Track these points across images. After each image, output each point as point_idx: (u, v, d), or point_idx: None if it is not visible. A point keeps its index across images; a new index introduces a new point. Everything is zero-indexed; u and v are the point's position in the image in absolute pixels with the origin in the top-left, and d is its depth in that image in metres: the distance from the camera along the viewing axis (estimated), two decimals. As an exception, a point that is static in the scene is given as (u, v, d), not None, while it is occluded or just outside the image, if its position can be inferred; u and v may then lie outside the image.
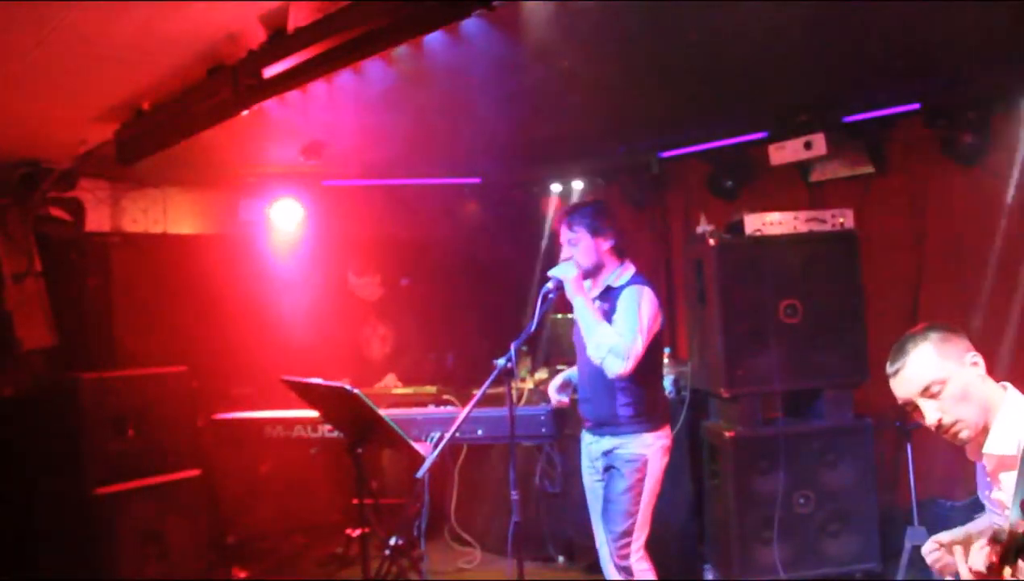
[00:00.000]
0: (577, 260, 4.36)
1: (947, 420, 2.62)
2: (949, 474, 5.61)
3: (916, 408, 2.67)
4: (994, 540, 2.17)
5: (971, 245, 5.77)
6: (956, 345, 2.66)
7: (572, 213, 4.49)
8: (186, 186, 7.25)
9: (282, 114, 4.86)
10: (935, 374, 2.62)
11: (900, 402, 2.72)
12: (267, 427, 5.86)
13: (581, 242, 4.40)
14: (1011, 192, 5.55)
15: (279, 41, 3.98)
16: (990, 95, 5.41)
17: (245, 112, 4.44)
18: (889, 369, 2.71)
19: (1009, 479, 2.56)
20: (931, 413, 2.63)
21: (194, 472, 6.00)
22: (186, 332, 6.74)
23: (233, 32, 4.00)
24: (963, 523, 2.96)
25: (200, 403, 6.15)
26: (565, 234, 4.45)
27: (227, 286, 6.92)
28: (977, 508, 2.92)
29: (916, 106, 5.70)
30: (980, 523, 2.95)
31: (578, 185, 7.63)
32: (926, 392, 2.63)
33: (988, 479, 2.71)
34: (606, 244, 4.43)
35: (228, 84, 4.34)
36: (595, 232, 4.41)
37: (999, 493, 2.65)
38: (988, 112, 5.46)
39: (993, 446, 2.61)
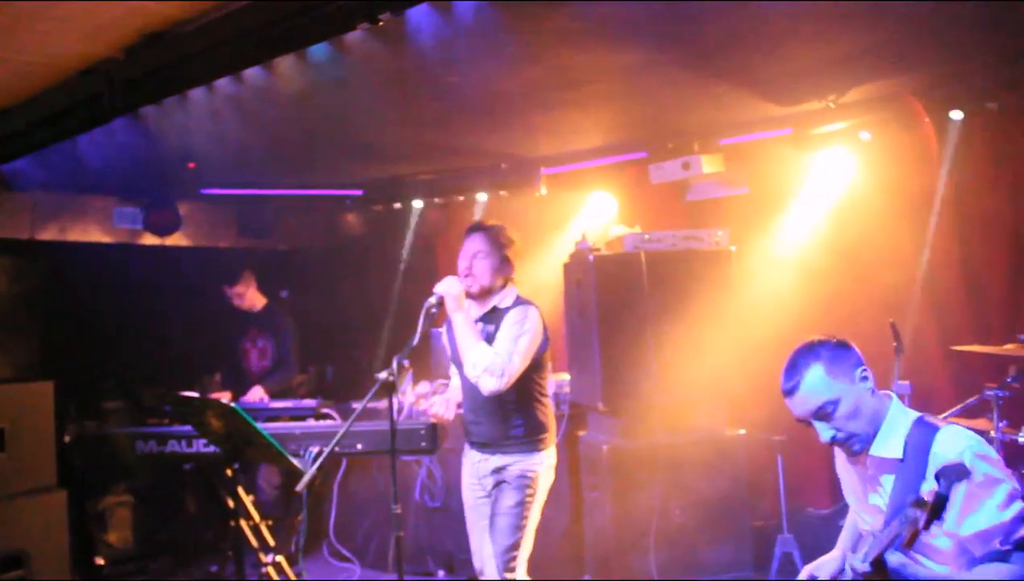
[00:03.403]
0: (475, 274, 4.33)
1: (841, 437, 2.69)
2: (816, 485, 5.84)
3: (811, 425, 2.73)
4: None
5: (844, 262, 6.02)
6: (846, 362, 2.71)
7: (480, 230, 4.41)
8: (56, 190, 6.96)
9: (160, 118, 4.75)
10: (827, 396, 2.66)
11: (795, 418, 2.77)
12: (139, 442, 5.66)
13: (485, 261, 4.35)
14: (879, 209, 5.82)
15: (158, 44, 3.89)
16: (855, 119, 5.66)
17: (121, 116, 4.33)
18: (783, 386, 2.74)
19: (888, 481, 2.70)
20: (825, 432, 2.70)
21: (60, 491, 5.75)
22: (53, 343, 6.48)
23: (110, 33, 3.88)
24: (828, 531, 3.09)
25: (68, 418, 5.90)
26: (470, 248, 4.38)
27: (98, 296, 6.67)
28: (841, 515, 3.04)
29: (788, 131, 5.93)
30: (844, 540, 3.08)
31: (459, 198, 7.63)
32: (819, 414, 2.68)
33: (867, 484, 2.81)
34: (504, 268, 4.40)
35: (104, 86, 4.22)
36: (498, 254, 4.37)
37: (876, 498, 2.77)
38: (853, 136, 5.70)
39: (879, 449, 2.71)
